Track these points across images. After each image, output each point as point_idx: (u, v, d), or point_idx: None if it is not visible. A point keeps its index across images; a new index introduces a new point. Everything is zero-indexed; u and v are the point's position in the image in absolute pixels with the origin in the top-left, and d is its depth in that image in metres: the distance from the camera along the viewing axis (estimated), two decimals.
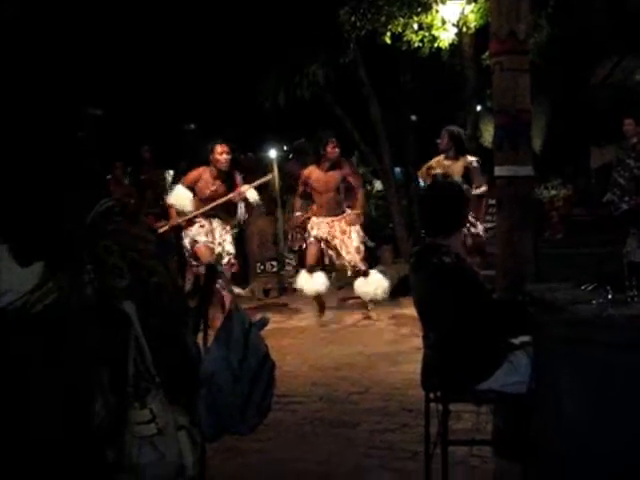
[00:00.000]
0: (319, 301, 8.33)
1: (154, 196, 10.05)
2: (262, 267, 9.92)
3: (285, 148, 13.99)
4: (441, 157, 7.95)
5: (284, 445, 4.52)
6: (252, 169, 10.57)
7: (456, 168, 7.73)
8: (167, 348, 2.92)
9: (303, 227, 8.36)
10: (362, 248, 8.22)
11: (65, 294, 2.62)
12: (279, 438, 4.60)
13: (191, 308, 3.44)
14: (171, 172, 11.53)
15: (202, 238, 7.61)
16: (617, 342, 2.57)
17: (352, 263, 8.11)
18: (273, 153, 11.31)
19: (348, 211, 8.25)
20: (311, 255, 8.21)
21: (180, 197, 7.70)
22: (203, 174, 7.73)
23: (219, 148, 7.64)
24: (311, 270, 8.19)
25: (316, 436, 4.66)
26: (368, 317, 8.32)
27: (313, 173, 8.20)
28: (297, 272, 8.67)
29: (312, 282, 8.15)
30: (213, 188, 7.70)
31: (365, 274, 8.13)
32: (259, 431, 3.60)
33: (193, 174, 7.77)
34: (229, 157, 7.67)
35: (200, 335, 3.50)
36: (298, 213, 8.37)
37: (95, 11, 10.12)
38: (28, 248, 2.71)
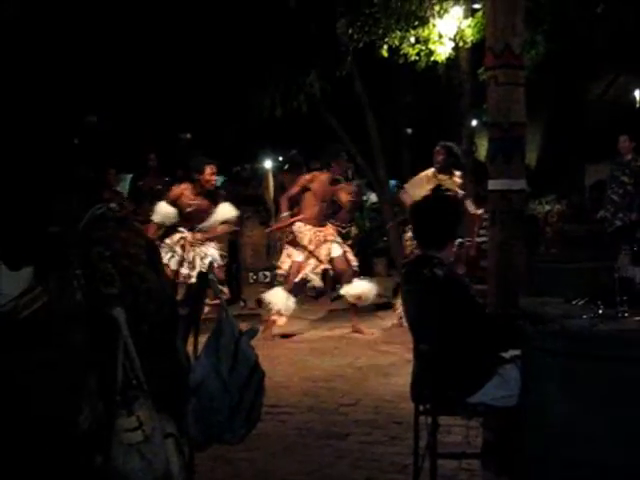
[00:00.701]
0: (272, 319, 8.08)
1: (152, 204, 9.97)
2: (255, 277, 9.92)
3: (281, 159, 14.01)
4: (430, 172, 7.99)
5: (273, 455, 4.51)
6: (248, 180, 10.60)
7: (453, 184, 7.87)
8: (156, 355, 2.91)
9: (290, 231, 8.22)
10: (350, 256, 8.25)
11: (54, 299, 2.62)
12: (268, 448, 4.59)
13: (182, 316, 3.43)
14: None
15: (174, 260, 7.53)
16: (605, 354, 2.57)
17: (324, 266, 8.10)
18: (268, 164, 11.33)
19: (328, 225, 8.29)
20: (295, 275, 8.07)
21: (163, 213, 7.68)
22: (185, 191, 7.73)
23: (209, 169, 7.68)
24: (291, 291, 8.05)
25: (305, 447, 4.64)
26: (358, 330, 8.21)
27: (317, 179, 8.17)
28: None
29: (286, 303, 7.95)
30: (196, 204, 7.70)
31: (349, 280, 8.12)
32: (248, 440, 3.59)
33: (175, 191, 7.78)
34: (216, 177, 7.81)
35: (190, 343, 3.50)
36: (285, 214, 8.24)
37: (94, 21, 10.15)
38: (17, 253, 2.70)
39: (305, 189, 8.17)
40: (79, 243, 2.90)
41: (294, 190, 8.26)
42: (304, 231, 8.08)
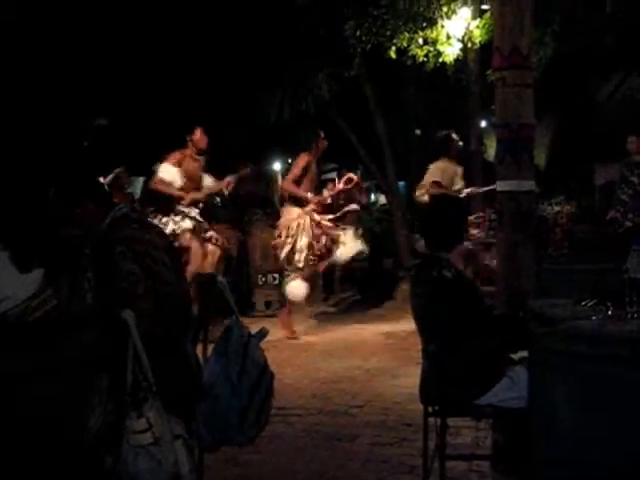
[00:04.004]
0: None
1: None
2: (264, 279, 9.91)
3: (290, 161, 14.02)
4: (446, 163, 7.96)
5: (282, 457, 4.51)
6: (253, 179, 10.59)
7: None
8: (167, 357, 2.92)
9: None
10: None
11: (64, 301, 2.63)
12: (277, 450, 4.59)
13: (193, 318, 3.44)
14: None
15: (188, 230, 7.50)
16: (615, 356, 2.56)
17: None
18: (277, 166, 11.35)
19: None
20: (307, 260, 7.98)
21: (169, 172, 7.60)
22: (184, 155, 7.72)
23: (199, 130, 7.76)
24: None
25: (314, 448, 4.64)
26: (294, 337, 8.03)
27: (312, 163, 8.03)
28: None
29: (305, 290, 7.97)
30: (195, 166, 7.74)
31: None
32: (258, 442, 3.60)
33: (177, 155, 7.70)
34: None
35: (200, 346, 3.51)
36: (310, 194, 7.95)
37: (104, 24, 10.19)
38: (28, 255, 2.72)
39: (304, 172, 7.96)
40: (101, 244, 2.92)
41: (295, 174, 7.98)
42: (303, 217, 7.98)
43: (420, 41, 8.74)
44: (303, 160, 7.98)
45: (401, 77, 10.91)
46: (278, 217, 10.32)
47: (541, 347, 2.78)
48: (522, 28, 4.03)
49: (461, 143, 8.29)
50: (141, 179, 11.38)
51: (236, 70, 10.44)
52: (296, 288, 7.90)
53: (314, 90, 9.80)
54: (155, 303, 2.85)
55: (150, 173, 10.89)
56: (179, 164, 7.66)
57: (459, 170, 7.97)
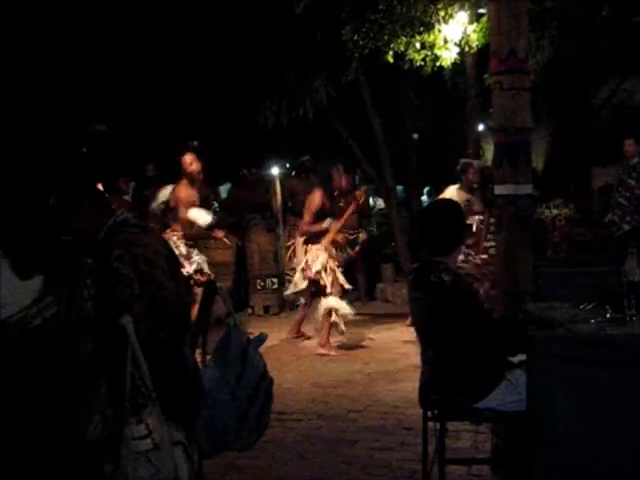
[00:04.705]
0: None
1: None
2: (262, 284, 9.92)
3: (288, 165, 14.00)
4: (463, 192, 7.74)
5: (282, 462, 4.51)
6: (255, 185, 10.59)
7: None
8: (166, 362, 2.92)
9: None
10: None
11: (64, 308, 2.63)
12: (277, 455, 4.59)
13: (191, 324, 3.45)
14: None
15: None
16: (614, 359, 2.56)
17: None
18: (275, 170, 11.33)
19: None
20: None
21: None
22: (188, 190, 7.25)
23: (187, 158, 7.21)
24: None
25: (314, 453, 4.64)
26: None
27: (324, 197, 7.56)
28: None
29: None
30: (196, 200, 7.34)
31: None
32: (257, 447, 3.60)
33: (185, 195, 7.22)
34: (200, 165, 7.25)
35: (198, 351, 3.51)
36: (328, 221, 7.56)
37: (98, 28, 10.20)
38: (29, 262, 2.72)
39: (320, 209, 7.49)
40: (100, 248, 2.92)
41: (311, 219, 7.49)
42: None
43: (417, 45, 8.74)
44: (318, 198, 7.51)
45: (399, 81, 10.92)
46: (277, 222, 10.34)
47: (540, 350, 2.78)
48: (519, 32, 4.04)
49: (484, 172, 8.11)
50: (131, 184, 11.36)
51: (234, 75, 10.44)
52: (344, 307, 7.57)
53: (312, 95, 9.80)
54: (150, 306, 2.85)
55: (140, 179, 10.93)
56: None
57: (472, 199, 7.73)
